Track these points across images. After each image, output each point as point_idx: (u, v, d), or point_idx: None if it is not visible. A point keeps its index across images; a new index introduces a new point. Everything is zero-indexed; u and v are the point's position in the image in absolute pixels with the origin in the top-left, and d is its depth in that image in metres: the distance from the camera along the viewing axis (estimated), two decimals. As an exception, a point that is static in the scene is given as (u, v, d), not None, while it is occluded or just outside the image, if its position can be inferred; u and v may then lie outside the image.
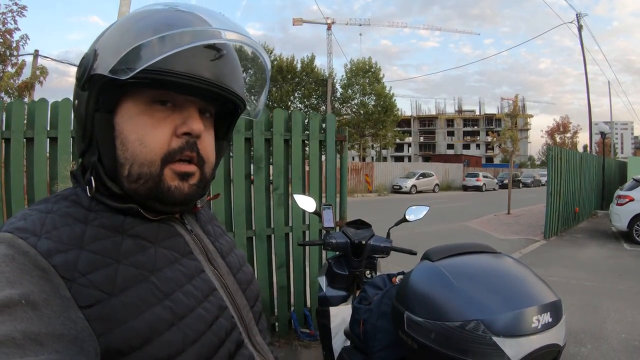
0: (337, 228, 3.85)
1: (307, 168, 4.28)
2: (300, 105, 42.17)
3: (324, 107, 35.84)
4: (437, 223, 14.04)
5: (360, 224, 2.87)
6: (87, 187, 0.75)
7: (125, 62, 0.67)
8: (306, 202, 2.98)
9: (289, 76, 41.27)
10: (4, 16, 9.29)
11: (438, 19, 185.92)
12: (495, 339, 1.14)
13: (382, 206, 18.73)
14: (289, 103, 41.54)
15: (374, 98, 41.79)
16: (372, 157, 63.03)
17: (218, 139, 0.88)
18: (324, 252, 3.87)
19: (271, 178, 4.06)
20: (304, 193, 4.11)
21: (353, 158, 53.12)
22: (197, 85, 0.72)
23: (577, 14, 27.45)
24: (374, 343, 1.64)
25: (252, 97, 0.95)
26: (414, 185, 31.59)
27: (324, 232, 3.10)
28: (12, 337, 0.53)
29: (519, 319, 1.16)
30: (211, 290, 0.78)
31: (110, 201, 0.75)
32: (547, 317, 1.18)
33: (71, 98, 0.79)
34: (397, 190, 31.37)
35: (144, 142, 0.73)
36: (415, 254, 2.71)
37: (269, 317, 4.07)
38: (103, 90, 0.71)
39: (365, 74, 41.92)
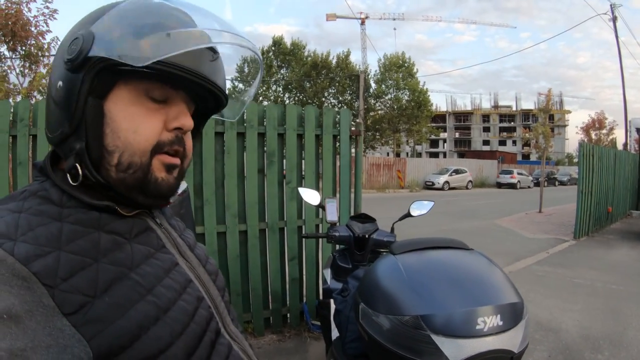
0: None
1: (337, 163, 4.33)
2: (334, 101, 42.03)
3: (357, 102, 35.72)
4: (466, 220, 13.89)
5: (365, 218, 2.89)
6: (69, 174, 0.72)
7: (138, 50, 0.67)
8: (310, 195, 3.02)
9: (324, 72, 41.21)
10: (36, 19, 9.66)
11: (473, 12, 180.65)
12: (433, 337, 1.11)
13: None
14: (323, 99, 41.50)
15: (408, 93, 41.41)
16: (407, 153, 62.46)
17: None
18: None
19: (284, 172, 4.13)
20: (317, 188, 4.16)
21: (387, 154, 52.76)
22: (198, 81, 0.74)
23: (611, 5, 26.53)
24: (346, 333, 1.65)
25: (237, 99, 0.97)
26: (446, 182, 31.21)
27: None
28: None
29: (461, 319, 1.12)
30: (187, 282, 0.79)
31: (86, 198, 0.72)
32: (496, 320, 1.13)
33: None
34: (429, 186, 31.04)
35: (137, 131, 0.72)
36: None
37: (280, 309, 4.16)
38: (98, 74, 0.69)
39: (398, 69, 41.55)
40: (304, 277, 4.25)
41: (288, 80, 42.03)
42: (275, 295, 4.13)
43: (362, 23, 52.33)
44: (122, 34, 0.69)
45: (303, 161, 4.19)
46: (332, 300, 2.61)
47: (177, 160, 0.78)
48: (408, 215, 2.89)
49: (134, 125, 0.72)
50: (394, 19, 62.81)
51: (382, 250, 2.74)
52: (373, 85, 42.82)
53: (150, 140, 0.74)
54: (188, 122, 0.78)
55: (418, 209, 2.91)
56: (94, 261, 0.66)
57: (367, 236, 2.69)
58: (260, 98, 40.57)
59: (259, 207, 4.03)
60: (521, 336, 1.19)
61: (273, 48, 42.03)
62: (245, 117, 3.90)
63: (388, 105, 42.42)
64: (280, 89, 42.87)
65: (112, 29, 0.70)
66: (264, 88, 42.01)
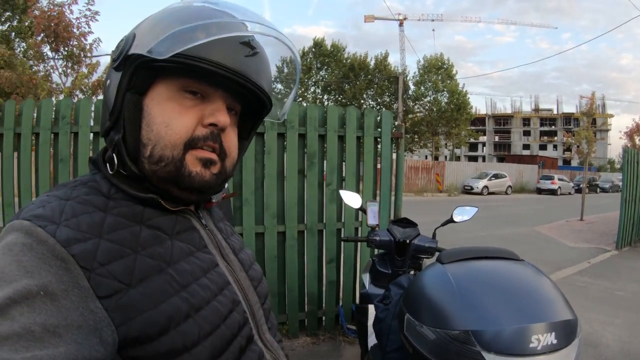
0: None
1: (378, 166, 4.28)
2: (372, 102, 41.91)
3: (396, 104, 35.51)
4: (505, 226, 13.61)
5: (406, 223, 2.83)
6: (108, 164, 0.77)
7: (163, 44, 0.69)
8: (351, 198, 2.98)
9: (362, 74, 41.14)
10: (78, 21, 10.11)
11: (513, 13, 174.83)
12: (484, 354, 1.06)
13: (450, 207, 18.34)
14: (362, 101, 41.42)
15: (447, 95, 40.93)
16: (446, 157, 61.69)
17: (240, 138, 0.90)
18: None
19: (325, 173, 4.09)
20: (357, 190, 4.11)
21: (426, 157, 52.28)
22: (228, 75, 0.73)
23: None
24: (387, 343, 1.61)
25: (280, 100, 0.97)
26: (485, 186, 30.68)
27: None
28: (30, 330, 0.53)
29: (514, 336, 1.07)
30: (225, 284, 0.79)
31: (131, 190, 0.75)
32: (550, 338, 1.07)
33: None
34: (468, 190, 30.59)
35: (170, 125, 0.74)
36: None
37: (316, 311, 4.13)
38: (137, 71, 0.73)
39: (437, 71, 41.13)
40: (341, 280, 4.19)
41: (327, 81, 42.10)
42: (312, 297, 4.10)
43: (401, 24, 51.78)
44: (154, 32, 0.72)
45: (343, 163, 4.14)
46: (370, 306, 2.56)
47: (212, 156, 0.78)
48: (451, 220, 2.81)
49: (167, 119, 0.74)
50: (433, 20, 61.78)
51: (423, 256, 2.67)
52: (412, 87, 42.46)
53: (182, 134, 0.75)
54: (223, 118, 0.77)
55: (461, 215, 2.82)
56: (132, 252, 0.69)
57: (408, 241, 2.62)
58: (300, 99, 40.82)
59: (298, 208, 4.01)
60: (574, 355, 1.12)
61: (313, 49, 42.22)
62: (285, 118, 3.88)
63: (427, 107, 42.01)
64: (320, 91, 42.98)
65: (148, 28, 0.74)
66: (303, 89, 42.21)
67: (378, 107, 39.47)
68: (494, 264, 1.38)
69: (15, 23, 21.43)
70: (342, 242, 4.13)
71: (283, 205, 3.97)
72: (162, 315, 0.66)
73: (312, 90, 43.07)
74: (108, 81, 0.78)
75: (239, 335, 0.78)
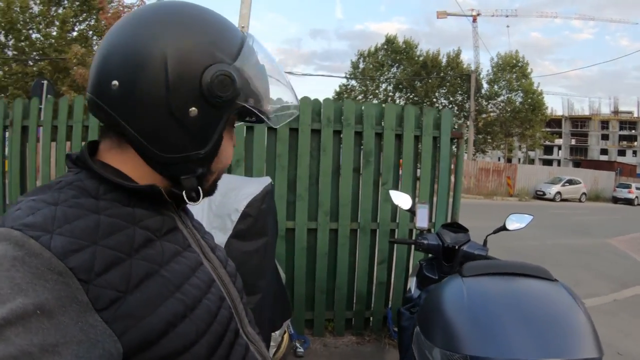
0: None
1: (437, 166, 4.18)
2: (445, 101, 41.06)
3: (468, 103, 34.57)
4: (575, 236, 12.92)
5: (457, 227, 2.75)
6: (186, 191, 0.80)
7: (274, 114, 0.82)
8: (401, 199, 2.93)
9: (434, 71, 40.37)
10: None
11: (591, 8, 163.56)
12: None
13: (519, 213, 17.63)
14: (434, 99, 40.68)
15: (521, 95, 39.40)
16: (519, 159, 59.42)
17: None
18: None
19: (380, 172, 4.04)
20: (413, 190, 4.03)
21: (499, 158, 50.65)
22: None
23: None
24: (406, 353, 1.54)
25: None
26: (558, 192, 29.19)
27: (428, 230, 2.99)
28: (28, 352, 0.52)
29: None
30: (211, 282, 0.81)
31: (127, 182, 0.74)
32: None
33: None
34: (540, 196, 29.28)
35: (229, 156, 0.85)
36: None
37: (364, 311, 4.09)
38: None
39: (512, 69, 39.63)
40: (392, 281, 4.13)
41: (399, 79, 41.62)
42: (360, 297, 4.07)
43: (474, 20, 49.82)
44: (264, 94, 0.81)
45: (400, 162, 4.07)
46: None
47: None
48: (503, 228, 2.70)
49: (230, 151, 0.85)
50: (507, 16, 58.75)
51: (472, 263, 2.59)
52: (485, 85, 41.20)
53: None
54: (236, 141, 0.91)
55: (516, 222, 2.71)
56: (127, 257, 0.68)
57: (457, 247, 2.54)
58: (371, 97, 40.67)
59: (352, 206, 3.99)
60: None
61: (385, 46, 41.83)
62: (342, 116, 3.87)
63: (500, 107, 40.66)
64: (391, 88, 42.57)
65: (256, 83, 0.80)
66: (373, 87, 42.00)
67: (450, 106, 38.54)
68: (519, 283, 1.25)
69: (92, 22, 23.30)
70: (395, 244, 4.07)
71: (337, 202, 3.97)
72: (161, 319, 0.66)
73: (383, 87, 42.73)
74: (193, 108, 0.74)
75: (228, 330, 0.80)
